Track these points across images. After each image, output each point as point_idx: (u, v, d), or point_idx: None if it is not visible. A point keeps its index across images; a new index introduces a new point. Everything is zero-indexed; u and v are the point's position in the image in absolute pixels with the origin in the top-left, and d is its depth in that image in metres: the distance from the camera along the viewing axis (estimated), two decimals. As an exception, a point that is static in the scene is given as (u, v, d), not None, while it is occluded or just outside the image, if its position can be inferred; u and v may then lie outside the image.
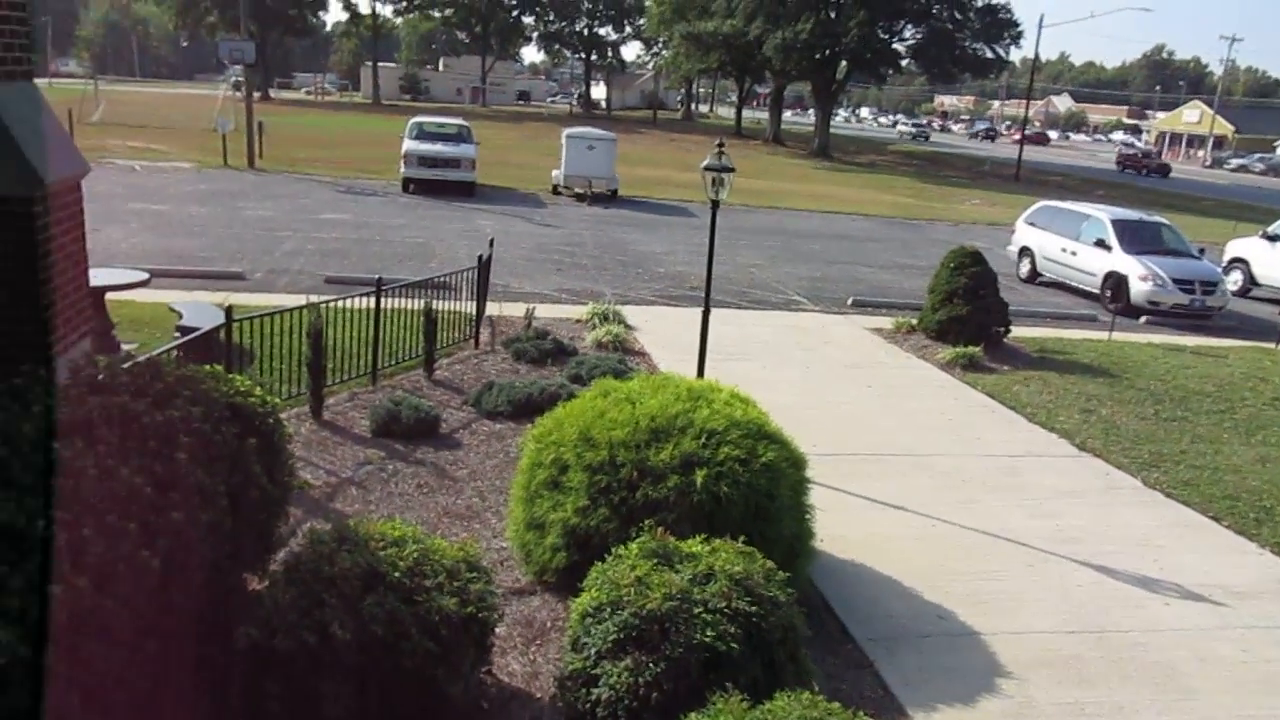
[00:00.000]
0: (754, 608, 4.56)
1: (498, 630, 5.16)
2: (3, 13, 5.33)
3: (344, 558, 4.61)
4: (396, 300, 10.52)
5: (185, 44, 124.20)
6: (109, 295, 10.00)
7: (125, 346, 10.17)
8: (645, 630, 4.42)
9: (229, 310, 8.38)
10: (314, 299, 9.78)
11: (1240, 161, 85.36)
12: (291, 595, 4.43)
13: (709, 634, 4.37)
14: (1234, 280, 20.97)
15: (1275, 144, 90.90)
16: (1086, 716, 5.43)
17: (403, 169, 26.60)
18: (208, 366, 5.74)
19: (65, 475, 4.13)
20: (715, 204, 8.54)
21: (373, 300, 10.06)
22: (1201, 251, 19.26)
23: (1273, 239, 21.36)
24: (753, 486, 5.83)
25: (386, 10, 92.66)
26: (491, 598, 4.80)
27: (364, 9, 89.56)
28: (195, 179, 26.26)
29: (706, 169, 8.30)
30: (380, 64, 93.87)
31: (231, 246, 17.05)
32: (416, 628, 4.36)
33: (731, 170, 8.34)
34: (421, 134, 27.85)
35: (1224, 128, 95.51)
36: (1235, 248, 22.53)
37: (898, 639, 6.01)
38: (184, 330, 9.56)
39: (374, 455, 8.28)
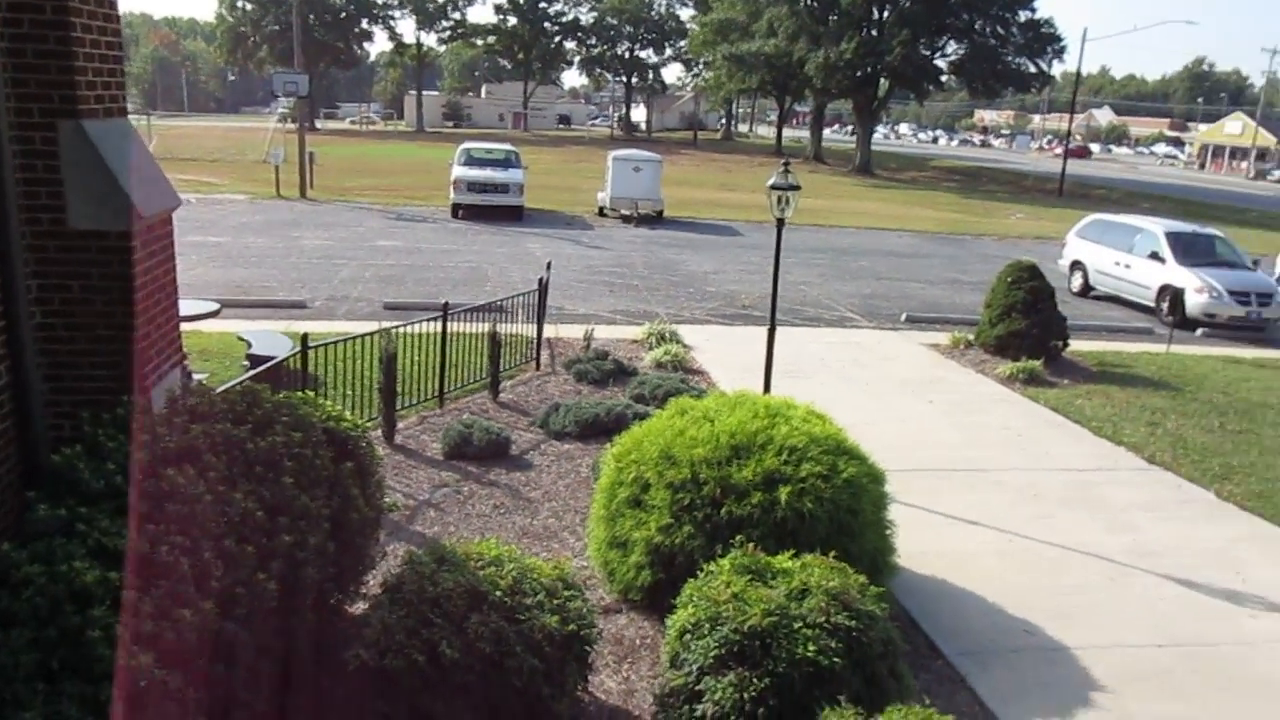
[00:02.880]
0: (853, 622, 4.59)
1: (591, 648, 5.23)
2: (101, 52, 5.55)
3: (446, 578, 4.71)
4: (459, 324, 10.68)
5: (233, 78, 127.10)
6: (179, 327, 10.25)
7: (197, 376, 10.42)
8: (747, 645, 4.46)
9: (304, 338, 8.58)
10: (384, 324, 9.97)
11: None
12: (398, 615, 4.52)
13: (811, 649, 4.41)
14: (1289, 291, 20.58)
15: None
16: (1184, 732, 5.38)
17: (452, 195, 26.98)
18: (298, 393, 5.91)
19: (181, 502, 4.26)
20: (781, 222, 8.61)
21: (437, 325, 10.24)
22: (1255, 263, 18.96)
23: (1330, 248, 20.98)
24: (835, 502, 5.86)
25: (431, 40, 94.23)
26: (591, 615, 4.87)
27: (408, 39, 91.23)
28: (250, 210, 26.82)
29: (773, 187, 8.37)
30: (424, 92, 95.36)
31: (291, 275, 17.40)
32: (521, 645, 4.45)
33: (798, 188, 8.40)
34: (470, 160, 28.23)
35: (1266, 139, 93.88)
36: None
37: (988, 653, 5.99)
38: (254, 359, 9.79)
39: (449, 477, 8.41)
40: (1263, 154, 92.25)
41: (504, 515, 7.72)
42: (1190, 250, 18.43)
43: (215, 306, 11.19)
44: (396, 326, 10.02)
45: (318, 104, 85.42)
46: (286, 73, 30.59)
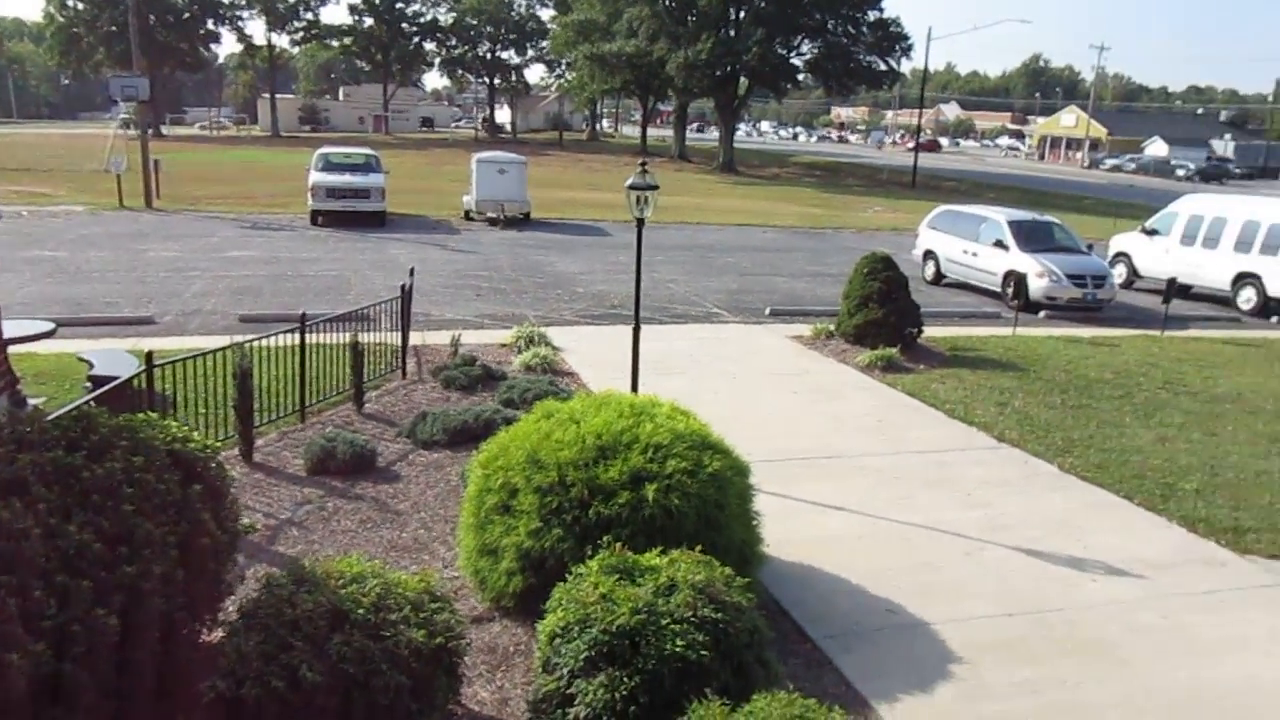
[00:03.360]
0: (719, 615, 4.66)
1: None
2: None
3: (305, 599, 4.56)
4: (319, 335, 10.36)
5: (67, 82, 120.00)
6: (10, 349, 9.60)
7: (32, 401, 9.77)
8: (616, 645, 4.47)
9: (149, 356, 8.16)
10: (237, 339, 9.57)
11: (1114, 162, 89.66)
12: (254, 641, 4.36)
13: (679, 644, 4.45)
14: (1119, 273, 22.01)
15: (1143, 145, 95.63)
16: (1035, 693, 5.67)
17: (310, 202, 26.16)
18: (140, 415, 5.61)
19: (6, 537, 3.99)
20: (641, 222, 8.66)
21: (295, 337, 9.91)
22: (1090, 247, 20.19)
23: (1150, 234, 22.51)
24: (702, 497, 5.94)
25: (283, 41, 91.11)
26: (459, 626, 4.80)
27: (259, 41, 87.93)
28: (90, 222, 25.40)
29: (631, 187, 8.41)
30: (278, 95, 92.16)
31: (137, 290, 16.55)
32: (387, 663, 4.34)
33: (655, 188, 8.47)
34: (328, 165, 27.44)
35: (1098, 131, 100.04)
36: (1118, 243, 23.67)
37: (853, 635, 6.18)
38: (96, 380, 9.23)
39: (312, 494, 8.15)
40: (1095, 144, 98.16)
41: (371, 530, 7.53)
42: (1031, 237, 19.47)
43: (50, 326, 10.51)
44: (252, 340, 9.64)
45: (162, 109, 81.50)
46: (125, 76, 29.06)
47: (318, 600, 4.54)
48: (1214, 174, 79.87)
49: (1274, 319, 19.36)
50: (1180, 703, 5.71)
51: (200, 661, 4.97)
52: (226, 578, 5.53)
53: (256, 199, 31.88)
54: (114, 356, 10.18)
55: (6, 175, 35.00)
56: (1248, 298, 20.02)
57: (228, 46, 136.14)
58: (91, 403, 7.10)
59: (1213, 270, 20.70)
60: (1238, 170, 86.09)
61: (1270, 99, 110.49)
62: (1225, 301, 20.54)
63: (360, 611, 4.52)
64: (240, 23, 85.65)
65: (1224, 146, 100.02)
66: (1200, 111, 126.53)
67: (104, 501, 4.46)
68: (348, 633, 4.41)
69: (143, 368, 8.16)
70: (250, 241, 23.10)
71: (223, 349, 9.18)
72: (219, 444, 7.00)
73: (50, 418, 5.26)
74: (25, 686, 3.48)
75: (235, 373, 8.68)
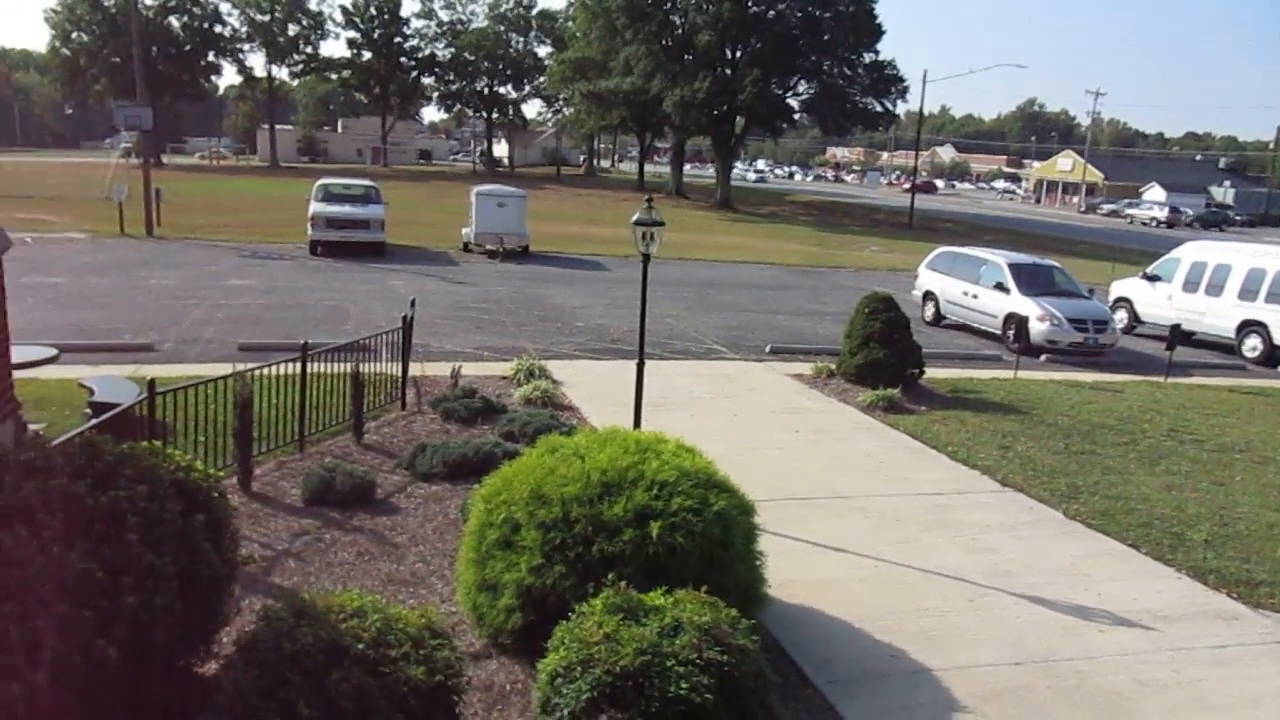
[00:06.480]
0: (725, 657, 4.59)
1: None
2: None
3: (304, 633, 4.49)
4: (319, 365, 10.32)
5: (70, 111, 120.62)
6: (13, 374, 9.55)
7: (33, 428, 9.69)
8: (619, 687, 4.40)
9: (151, 383, 8.11)
10: (239, 367, 9.53)
11: (1112, 206, 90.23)
12: (251, 676, 4.28)
13: (683, 686, 4.39)
14: (1120, 318, 22.09)
15: (1141, 190, 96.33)
16: (1042, 745, 5.58)
17: (310, 232, 26.23)
18: (145, 443, 5.57)
19: (11, 565, 3.94)
20: (646, 257, 8.69)
21: (295, 366, 9.86)
22: (1091, 292, 20.27)
23: (1152, 279, 22.62)
24: (707, 536, 5.88)
25: (283, 73, 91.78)
26: (459, 664, 4.73)
27: (259, 72, 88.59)
28: (91, 249, 25.41)
29: (638, 223, 8.43)
30: (277, 126, 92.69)
31: (137, 318, 16.51)
32: (386, 700, 4.27)
33: (662, 224, 8.49)
34: (328, 196, 27.57)
35: (1094, 175, 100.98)
36: (1119, 288, 23.78)
37: (855, 680, 6.10)
38: (96, 407, 9.17)
39: (309, 525, 8.07)
40: (1091, 189, 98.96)
41: (369, 562, 7.45)
42: (1032, 281, 19.56)
43: (53, 352, 10.47)
44: (253, 369, 9.59)
45: (164, 138, 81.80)
46: (129, 106, 29.21)
47: (318, 635, 4.46)
48: (1214, 221, 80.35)
49: (1280, 368, 19.39)
50: (1188, 754, 5.63)
51: (193, 694, 4.90)
52: (224, 610, 5.46)
53: (255, 228, 31.95)
54: (115, 383, 10.13)
55: (10, 202, 35.03)
56: (1253, 346, 20.05)
57: (228, 78, 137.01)
58: (92, 430, 7.06)
59: (1217, 317, 20.76)
60: (1238, 217, 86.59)
61: (1271, 145, 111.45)
62: (1229, 349, 20.57)
63: (360, 647, 4.45)
64: (241, 55, 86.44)
65: (1223, 193, 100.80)
66: (1199, 157, 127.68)
67: (108, 530, 4.41)
68: (347, 669, 4.34)
69: (144, 395, 8.11)
70: (250, 270, 23.11)
71: (224, 377, 9.13)
72: (220, 473, 6.96)
73: (54, 444, 5.22)
74: (24, 716, 3.41)
75: (236, 401, 8.63)
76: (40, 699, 3.53)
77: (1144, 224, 78.79)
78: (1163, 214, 79.92)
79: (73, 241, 26.75)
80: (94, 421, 7.83)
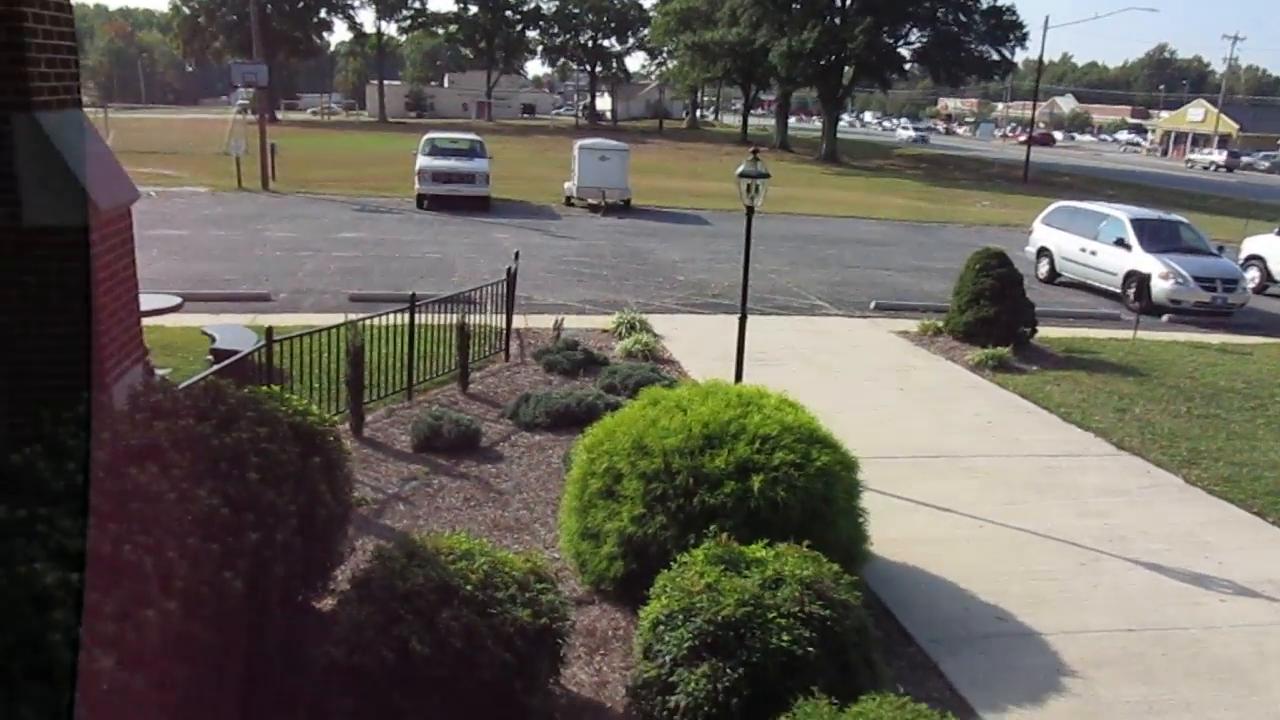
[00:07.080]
0: (827, 611, 4.57)
1: (563, 641, 5.17)
2: (54, 43, 5.38)
3: (415, 573, 4.63)
4: (426, 316, 10.55)
5: (190, 69, 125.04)
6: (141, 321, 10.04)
7: (159, 372, 10.19)
8: (721, 636, 4.43)
9: (269, 331, 8.43)
10: (352, 317, 9.82)
11: (1247, 160, 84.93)
12: (368, 612, 4.44)
13: (785, 638, 4.39)
14: (1251, 277, 20.86)
15: (1279, 141, 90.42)
16: (1156, 714, 5.41)
17: (417, 185, 26.72)
18: (264, 388, 5.80)
19: (143, 500, 4.15)
20: (750, 210, 8.57)
21: (404, 316, 10.11)
22: (1220, 249, 19.21)
23: (1288, 235, 21.31)
24: (809, 491, 5.84)
25: (391, 29, 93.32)
26: (563, 608, 4.82)
27: (369, 29, 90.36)
28: (211, 203, 26.43)
29: (742, 175, 8.32)
30: (386, 82, 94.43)
31: (254, 268, 17.15)
32: (493, 640, 4.39)
33: (767, 176, 8.36)
34: (435, 150, 27.98)
35: (1229, 126, 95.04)
36: (1251, 245, 22.47)
37: (959, 640, 6.01)
38: (218, 354, 9.59)
39: (418, 470, 8.31)
40: (1224, 141, 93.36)
41: (474, 508, 7.64)
42: (1156, 236, 18.65)
43: (178, 300, 10.97)
44: (363, 319, 9.86)
45: (278, 95, 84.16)
46: (245, 63, 30.14)
47: (428, 575, 4.60)
48: None
49: None
50: (1314, 731, 5.39)
51: (313, 628, 5.12)
52: (340, 548, 5.69)
53: (364, 182, 32.72)
54: (235, 331, 10.58)
55: (135, 158, 36.61)
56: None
57: (339, 34, 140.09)
58: (215, 375, 7.38)
59: None
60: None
61: None
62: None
63: (469, 588, 4.57)
64: (351, 11, 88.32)
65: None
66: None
67: (231, 469, 4.61)
68: (456, 608, 4.46)
69: (263, 343, 8.43)
70: (359, 223, 23.72)
71: (337, 326, 9.42)
72: (334, 418, 7.20)
73: (180, 387, 5.48)
74: (158, 642, 3.62)
75: (348, 349, 8.90)
76: (172, 626, 3.73)
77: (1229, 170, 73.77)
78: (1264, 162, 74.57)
79: (194, 195, 27.85)
80: (216, 366, 8.19)
